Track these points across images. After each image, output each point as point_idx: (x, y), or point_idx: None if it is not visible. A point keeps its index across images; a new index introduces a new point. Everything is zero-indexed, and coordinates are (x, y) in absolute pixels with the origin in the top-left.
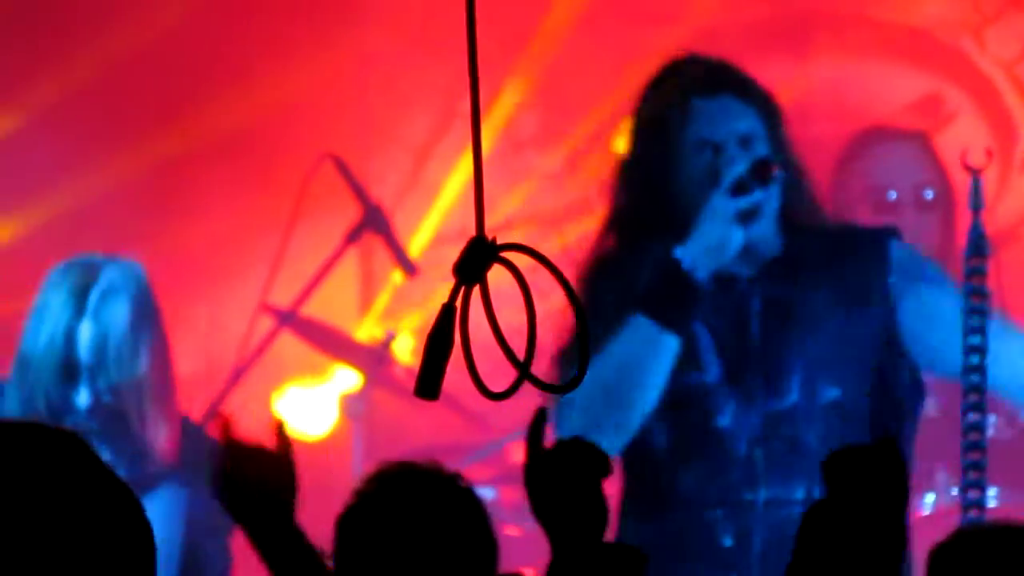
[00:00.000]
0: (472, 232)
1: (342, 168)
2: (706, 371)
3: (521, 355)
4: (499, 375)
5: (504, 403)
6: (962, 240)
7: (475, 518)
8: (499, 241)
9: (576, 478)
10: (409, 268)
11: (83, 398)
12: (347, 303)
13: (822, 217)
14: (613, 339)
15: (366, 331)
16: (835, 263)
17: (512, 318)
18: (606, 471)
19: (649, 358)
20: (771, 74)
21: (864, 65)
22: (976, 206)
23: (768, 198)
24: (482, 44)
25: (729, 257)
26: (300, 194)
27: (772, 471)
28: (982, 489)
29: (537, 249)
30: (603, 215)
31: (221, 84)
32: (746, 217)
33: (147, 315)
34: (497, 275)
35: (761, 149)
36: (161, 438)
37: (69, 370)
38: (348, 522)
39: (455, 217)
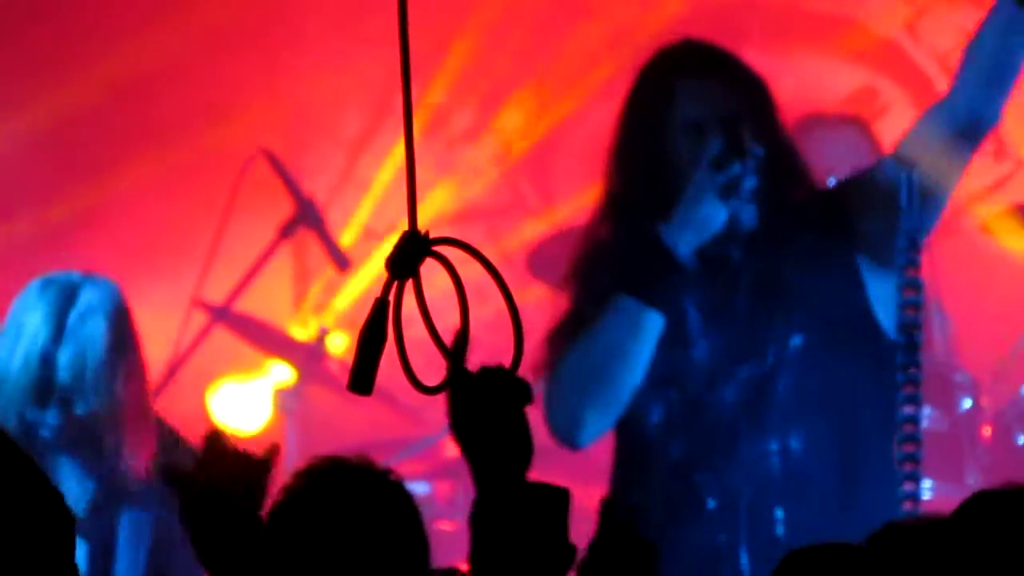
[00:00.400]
0: (405, 227)
1: (275, 163)
2: (695, 348)
3: (454, 348)
4: (432, 369)
5: (438, 398)
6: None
7: (405, 514)
8: (431, 235)
9: (497, 405)
10: (342, 262)
11: (56, 418)
12: (281, 298)
13: (799, 184)
14: (600, 319)
15: (300, 326)
16: (808, 231)
17: (452, 314)
18: (527, 398)
19: (634, 336)
20: None
21: (799, 58)
22: (908, 197)
23: (746, 173)
24: (414, 40)
25: (712, 233)
26: (233, 189)
27: (752, 430)
28: (917, 481)
29: (468, 242)
30: (598, 200)
31: (154, 78)
32: (727, 191)
33: (125, 336)
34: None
35: (741, 132)
36: (136, 457)
37: (43, 392)
38: (277, 518)
39: (388, 212)
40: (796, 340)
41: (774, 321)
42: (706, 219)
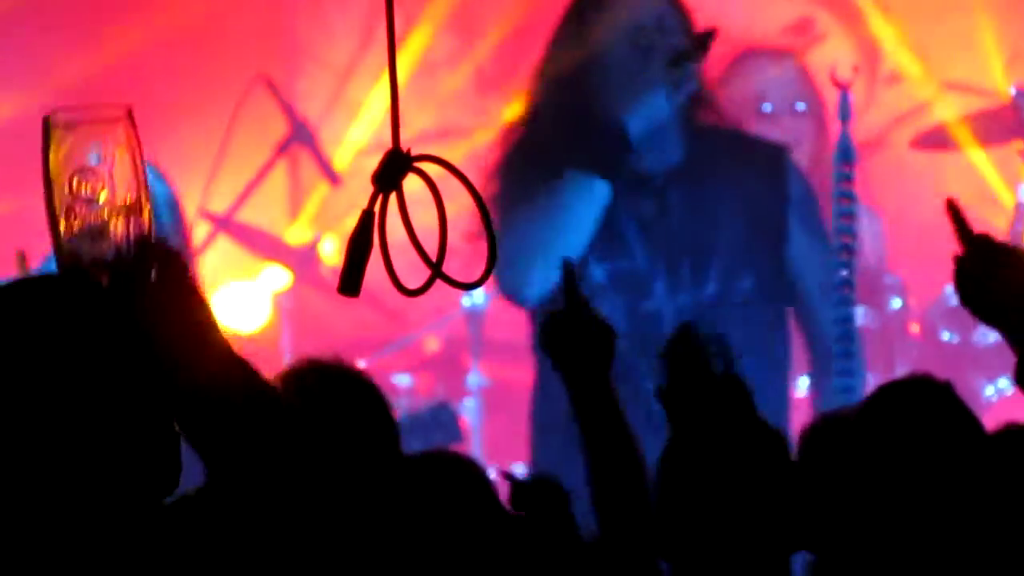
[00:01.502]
0: (389, 145)
1: (272, 88)
2: (634, 258)
3: (434, 255)
4: (414, 273)
5: (418, 299)
6: (832, 148)
7: (376, 405)
8: (413, 153)
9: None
10: (333, 178)
11: None
12: (278, 210)
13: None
14: (551, 187)
15: (295, 235)
16: (737, 168)
17: (428, 221)
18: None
19: (583, 201)
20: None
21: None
22: (844, 117)
23: (690, 80)
24: None
25: (658, 121)
26: (235, 111)
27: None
28: (852, 375)
29: (447, 159)
30: (521, 115)
31: (155, 8)
32: (674, 91)
33: (183, 224)
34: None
35: (676, 35)
36: None
37: None
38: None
39: (374, 132)
40: (744, 284)
41: (706, 242)
42: (657, 108)
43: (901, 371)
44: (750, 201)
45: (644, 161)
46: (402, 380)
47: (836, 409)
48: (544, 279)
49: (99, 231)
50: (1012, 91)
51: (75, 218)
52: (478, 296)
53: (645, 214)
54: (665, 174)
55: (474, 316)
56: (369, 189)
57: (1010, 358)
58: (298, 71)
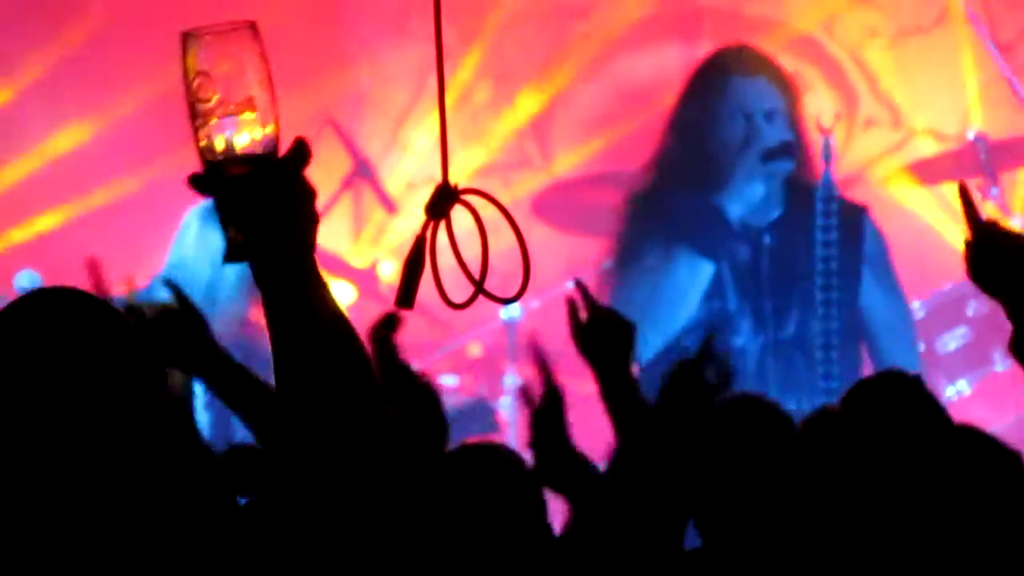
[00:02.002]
0: (439, 180)
1: (338, 130)
2: (727, 300)
3: (477, 275)
4: (460, 290)
5: (463, 311)
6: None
7: (427, 400)
8: (460, 187)
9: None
10: (390, 207)
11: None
12: (343, 235)
13: (813, 176)
14: (664, 264)
15: (357, 257)
16: (825, 226)
17: (474, 247)
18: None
19: (690, 279)
20: (667, 57)
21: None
22: (827, 158)
23: (785, 164)
24: (446, 34)
25: (753, 207)
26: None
27: (774, 384)
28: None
29: (489, 193)
30: (648, 160)
31: None
32: (768, 178)
33: None
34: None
35: (780, 122)
36: None
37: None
38: None
39: (425, 168)
40: (817, 327)
41: (791, 290)
42: (751, 196)
43: None
44: (843, 256)
45: (748, 216)
46: (448, 380)
47: (827, 403)
48: (656, 343)
49: (221, 127)
50: (971, 135)
51: (199, 119)
52: (514, 309)
53: (741, 260)
54: (763, 229)
55: (511, 326)
56: (422, 217)
57: (965, 364)
58: (360, 116)
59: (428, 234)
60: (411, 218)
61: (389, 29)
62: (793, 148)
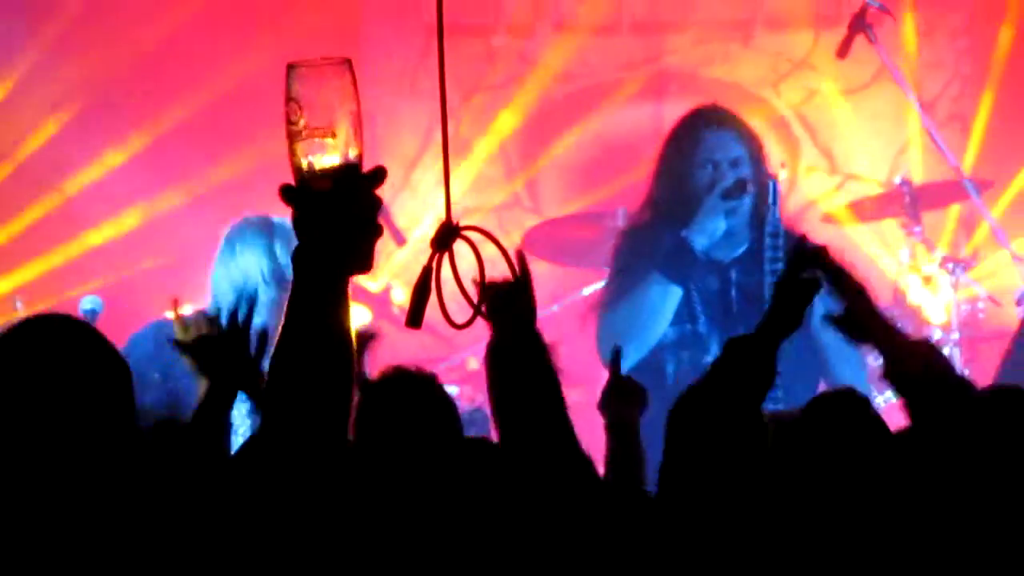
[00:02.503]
0: (443, 218)
1: None
2: (698, 323)
3: (476, 299)
4: (461, 311)
5: (465, 331)
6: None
7: (444, 404)
8: (461, 224)
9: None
10: (400, 240)
11: None
12: None
13: (778, 217)
14: (641, 287)
15: (373, 283)
16: (772, 258)
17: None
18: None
19: (663, 300)
20: (639, 114)
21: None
22: (773, 201)
23: (742, 203)
24: (449, 94)
25: (715, 239)
26: None
27: None
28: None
29: (486, 229)
30: (641, 202)
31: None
32: (728, 214)
33: None
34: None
35: (745, 170)
36: None
37: None
38: (359, 413)
39: (431, 207)
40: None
41: (755, 314)
42: (714, 230)
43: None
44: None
45: (717, 251)
46: (451, 389)
47: (788, 410)
48: (633, 356)
49: (307, 149)
50: (897, 180)
51: (289, 139)
52: None
53: (710, 290)
54: (730, 261)
55: None
56: (428, 250)
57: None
58: (375, 161)
59: (433, 264)
60: (419, 250)
61: (401, 89)
62: (746, 185)
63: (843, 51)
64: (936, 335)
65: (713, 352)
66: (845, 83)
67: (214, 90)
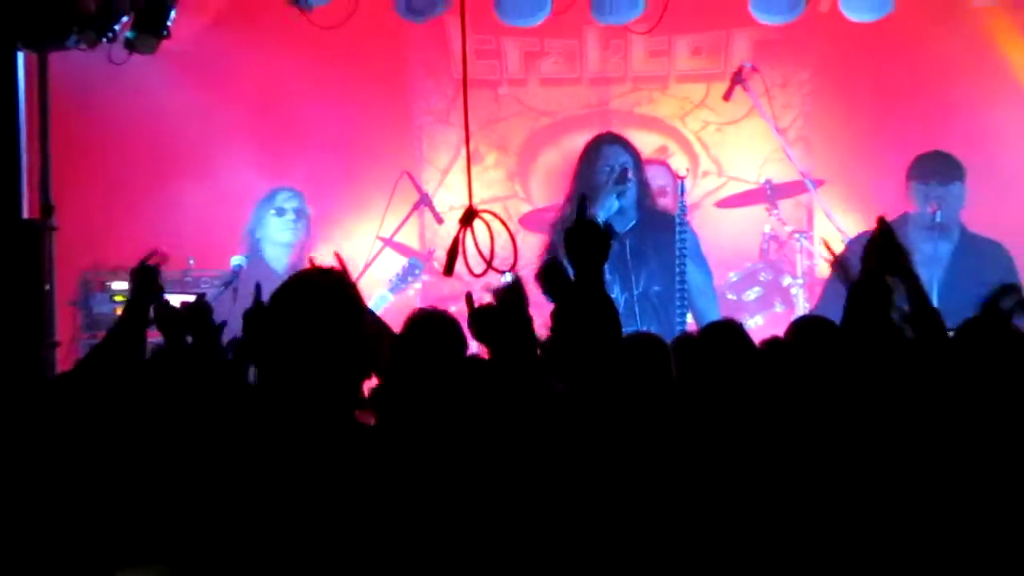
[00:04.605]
0: (467, 204)
1: (411, 178)
2: (607, 273)
3: (489, 257)
4: (478, 266)
5: (479, 278)
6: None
7: (453, 330)
8: (479, 208)
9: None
10: (439, 220)
11: None
12: (414, 235)
13: (654, 204)
14: (561, 251)
15: (420, 246)
16: (659, 230)
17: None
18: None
19: None
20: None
21: (636, 135)
22: (681, 193)
23: (628, 189)
24: (472, 122)
25: (611, 214)
26: (392, 189)
27: (634, 320)
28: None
29: (495, 212)
30: (564, 198)
31: (362, 133)
32: (619, 196)
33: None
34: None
35: (632, 171)
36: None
37: None
38: (397, 344)
39: (459, 198)
40: (655, 288)
41: (642, 269)
42: (609, 207)
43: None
44: (664, 249)
45: (615, 223)
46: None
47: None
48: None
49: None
50: (762, 181)
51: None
52: (507, 277)
53: (613, 252)
54: (625, 232)
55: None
56: (456, 226)
57: (758, 307)
58: (422, 169)
59: (460, 235)
60: (451, 226)
61: (439, 120)
62: (627, 173)
63: (727, 96)
64: (789, 281)
65: (615, 292)
66: (728, 117)
67: (303, 116)
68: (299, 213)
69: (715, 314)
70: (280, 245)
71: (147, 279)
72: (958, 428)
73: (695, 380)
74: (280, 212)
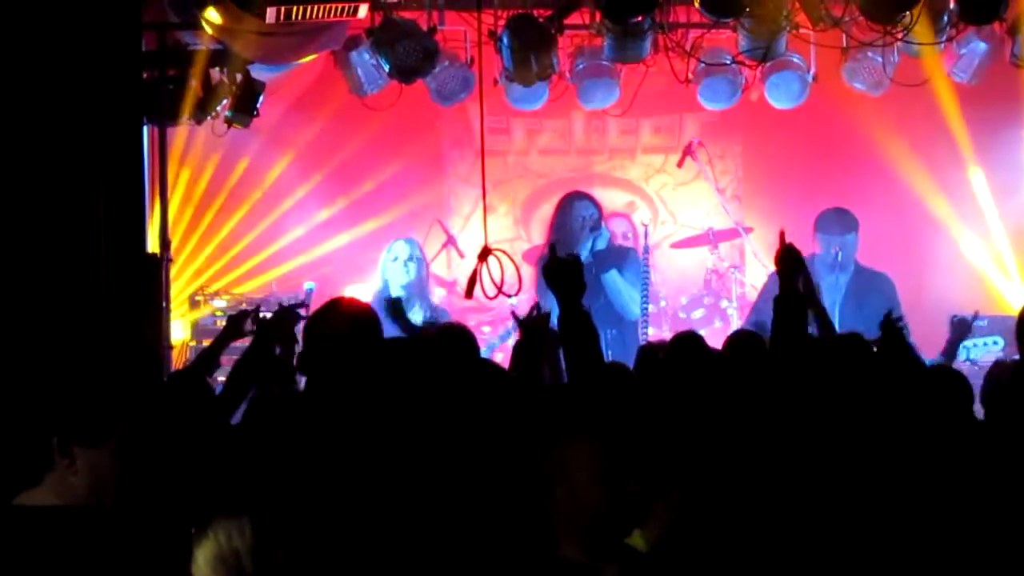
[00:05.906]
0: (483, 243)
1: (442, 225)
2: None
3: (500, 285)
4: (491, 292)
5: (492, 301)
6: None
7: (469, 342)
8: (492, 247)
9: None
10: (461, 255)
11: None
12: (442, 267)
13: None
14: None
15: (447, 275)
16: (614, 260)
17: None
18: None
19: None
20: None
21: (604, 191)
22: (645, 236)
23: (600, 236)
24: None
25: (586, 254)
26: (427, 232)
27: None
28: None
29: (504, 250)
30: (544, 242)
31: (393, 185)
32: (592, 240)
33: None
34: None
35: (598, 221)
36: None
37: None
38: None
39: (476, 239)
40: (612, 329)
41: (605, 291)
42: (584, 247)
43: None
44: (621, 273)
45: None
46: (485, 329)
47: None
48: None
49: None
50: (706, 227)
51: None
52: (513, 300)
53: (588, 284)
54: (593, 264)
55: (514, 307)
56: (475, 259)
57: (703, 323)
58: (449, 216)
59: (478, 267)
60: (470, 260)
61: (463, 181)
62: (598, 223)
63: (680, 163)
64: (726, 304)
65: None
66: (681, 179)
67: (358, 175)
68: (409, 258)
69: (631, 293)
70: (397, 286)
71: (285, 321)
72: (876, 419)
73: (657, 382)
74: (395, 259)
